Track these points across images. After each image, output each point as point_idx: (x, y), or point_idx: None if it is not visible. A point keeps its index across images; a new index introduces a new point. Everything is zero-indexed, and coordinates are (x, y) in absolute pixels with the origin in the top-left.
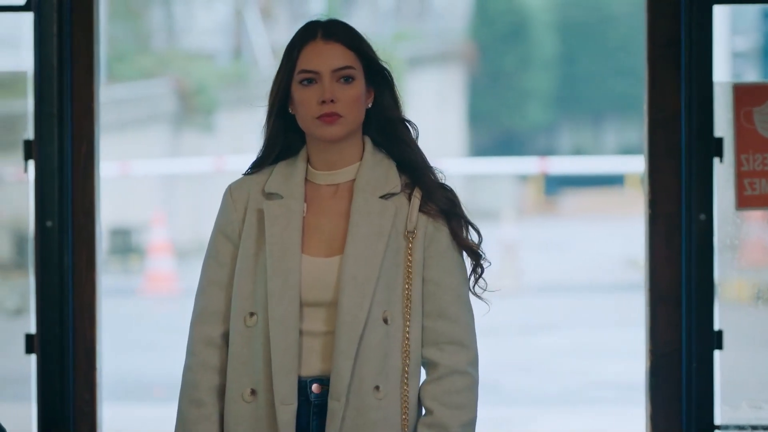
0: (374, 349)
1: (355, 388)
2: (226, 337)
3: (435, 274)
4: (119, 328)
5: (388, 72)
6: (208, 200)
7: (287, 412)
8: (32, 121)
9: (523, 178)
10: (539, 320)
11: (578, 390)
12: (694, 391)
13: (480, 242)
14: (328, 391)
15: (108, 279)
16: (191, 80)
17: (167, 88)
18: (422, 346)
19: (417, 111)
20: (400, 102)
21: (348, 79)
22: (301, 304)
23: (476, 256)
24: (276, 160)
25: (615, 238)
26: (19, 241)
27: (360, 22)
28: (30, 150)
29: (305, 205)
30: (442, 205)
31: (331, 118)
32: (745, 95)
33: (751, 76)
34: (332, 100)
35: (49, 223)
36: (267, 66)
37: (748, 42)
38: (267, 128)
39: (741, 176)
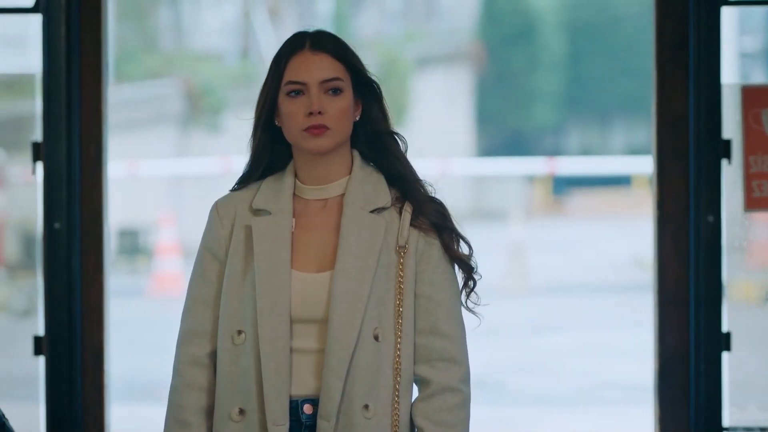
0: (365, 368)
1: (345, 407)
2: (213, 356)
3: (427, 289)
4: (127, 329)
5: (377, 84)
6: None
7: None
8: (40, 123)
9: (531, 179)
10: (546, 320)
11: (585, 390)
12: (702, 392)
13: (471, 254)
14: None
15: (115, 280)
16: (199, 80)
17: (175, 89)
18: (414, 363)
19: (425, 111)
20: (389, 115)
21: (336, 91)
22: (291, 321)
23: (468, 269)
24: (263, 175)
25: (622, 239)
26: (27, 243)
27: (368, 22)
28: (38, 152)
29: (294, 220)
30: (433, 218)
31: (318, 130)
32: (753, 97)
33: (759, 76)
34: (320, 112)
35: (57, 225)
36: None
37: (756, 42)
38: (253, 141)
39: (749, 178)
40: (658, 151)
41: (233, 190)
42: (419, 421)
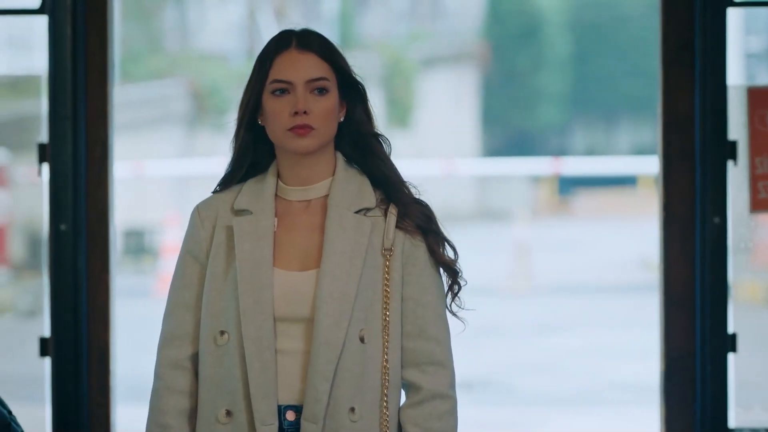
0: (351, 370)
1: (331, 410)
2: (194, 359)
3: (414, 292)
4: (132, 329)
5: (362, 86)
6: None
7: None
8: (46, 124)
9: (536, 179)
10: (551, 321)
11: (591, 391)
12: (708, 393)
13: (456, 259)
14: (300, 415)
15: (121, 280)
16: (204, 81)
17: (180, 89)
18: (402, 367)
19: (430, 112)
20: (373, 116)
21: (322, 91)
22: (275, 320)
23: (453, 273)
24: (245, 177)
25: (628, 239)
26: (33, 243)
27: (373, 22)
28: (44, 153)
29: (276, 220)
30: (419, 221)
31: (303, 130)
32: (759, 98)
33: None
34: (305, 112)
35: (63, 227)
36: None
37: (762, 42)
38: (236, 141)
39: (755, 179)
40: (663, 153)
41: (215, 192)
42: (409, 428)
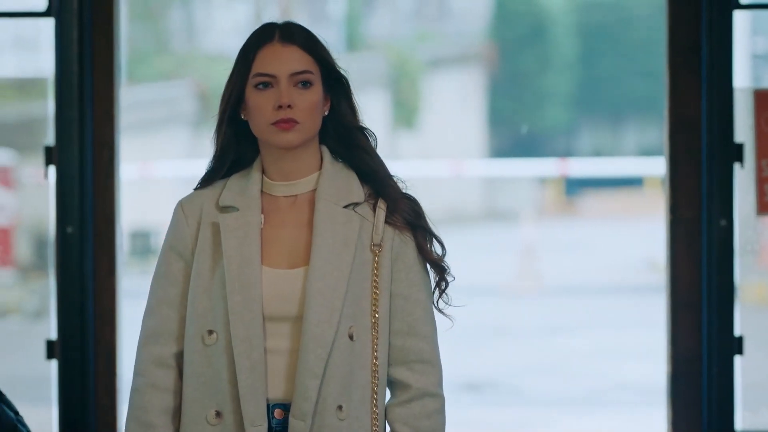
0: (339, 367)
1: (319, 407)
2: (178, 357)
3: (404, 289)
4: (138, 331)
5: (346, 79)
6: None
7: None
8: (53, 127)
9: (543, 180)
10: (558, 322)
11: (598, 392)
12: (714, 395)
13: (444, 255)
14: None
15: (127, 281)
16: (211, 82)
17: (187, 90)
18: (389, 364)
19: (436, 113)
20: (358, 110)
21: (306, 84)
22: (264, 319)
23: (441, 270)
24: (228, 173)
25: (634, 240)
26: (39, 245)
27: (380, 23)
28: (51, 155)
29: (262, 216)
30: (408, 216)
31: (287, 124)
32: (765, 100)
33: None
34: (289, 106)
35: (69, 229)
36: None
37: None
38: (218, 136)
39: (762, 182)
40: (670, 155)
41: (197, 188)
42: (398, 426)
